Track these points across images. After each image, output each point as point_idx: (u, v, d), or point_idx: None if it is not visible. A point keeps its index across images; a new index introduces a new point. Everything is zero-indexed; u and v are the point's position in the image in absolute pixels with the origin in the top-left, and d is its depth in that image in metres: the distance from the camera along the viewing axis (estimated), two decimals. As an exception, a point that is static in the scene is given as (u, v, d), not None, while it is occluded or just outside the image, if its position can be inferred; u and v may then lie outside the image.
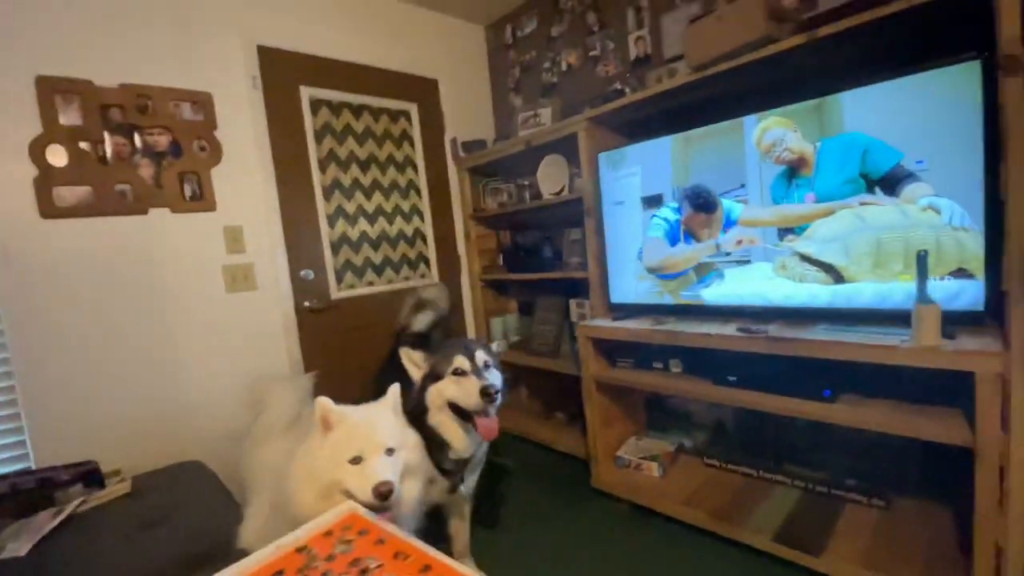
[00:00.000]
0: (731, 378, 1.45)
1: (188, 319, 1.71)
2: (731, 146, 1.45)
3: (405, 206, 2.35)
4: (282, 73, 1.95)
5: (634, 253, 1.74)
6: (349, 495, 0.87)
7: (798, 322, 1.36)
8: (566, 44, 2.33)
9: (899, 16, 1.10)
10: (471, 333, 2.59)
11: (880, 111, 1.19)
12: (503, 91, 2.68)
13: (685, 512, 1.53)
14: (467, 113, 2.58)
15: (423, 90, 2.41)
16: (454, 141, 2.48)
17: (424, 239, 2.43)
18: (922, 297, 1.08)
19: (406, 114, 2.35)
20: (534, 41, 2.47)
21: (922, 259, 1.09)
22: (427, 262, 2.44)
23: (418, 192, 2.40)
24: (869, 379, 1.23)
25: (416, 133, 2.38)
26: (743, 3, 1.33)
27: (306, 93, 2.03)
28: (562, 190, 2.12)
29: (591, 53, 2.23)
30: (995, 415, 0.95)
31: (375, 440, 0.92)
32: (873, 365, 1.12)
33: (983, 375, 0.96)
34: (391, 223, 2.30)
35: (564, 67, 2.36)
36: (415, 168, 2.38)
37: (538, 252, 2.36)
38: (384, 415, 1.00)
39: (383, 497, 0.85)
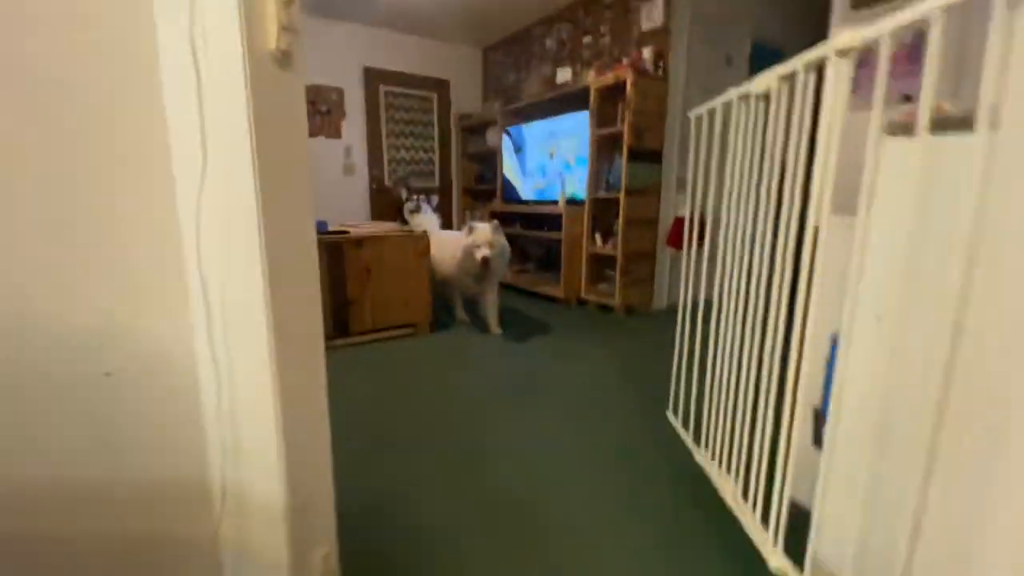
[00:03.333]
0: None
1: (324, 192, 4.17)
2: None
3: (425, 147, 4.67)
4: (372, 77, 4.28)
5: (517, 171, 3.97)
6: (474, 259, 2.39)
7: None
8: (525, 68, 4.47)
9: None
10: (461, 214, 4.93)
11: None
12: (488, 89, 4.86)
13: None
14: (465, 99, 4.81)
15: (441, 86, 4.65)
16: (455, 113, 4.73)
17: (434, 165, 4.75)
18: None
19: (430, 98, 4.62)
20: (507, 63, 4.61)
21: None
22: (433, 175, 4.78)
23: (433, 140, 4.71)
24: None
25: (435, 108, 4.66)
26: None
27: (381, 88, 4.35)
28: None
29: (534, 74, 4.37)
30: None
31: (484, 239, 2.36)
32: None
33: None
34: (417, 157, 4.64)
35: (518, 77, 4.50)
36: (433, 127, 4.68)
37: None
38: (488, 232, 2.38)
39: (484, 264, 2.34)
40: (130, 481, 0.74)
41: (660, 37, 2.98)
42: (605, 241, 3.17)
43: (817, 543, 0.78)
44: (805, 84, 0.85)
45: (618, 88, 2.93)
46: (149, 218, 0.70)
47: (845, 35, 0.69)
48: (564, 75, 3.56)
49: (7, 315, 0.63)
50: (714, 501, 1.15)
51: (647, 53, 3.00)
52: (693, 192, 1.44)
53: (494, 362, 2.25)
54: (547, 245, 3.81)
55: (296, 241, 0.71)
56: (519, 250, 4.06)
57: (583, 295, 3.33)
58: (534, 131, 3.65)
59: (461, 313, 2.93)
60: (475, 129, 4.66)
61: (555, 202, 3.43)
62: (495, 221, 2.53)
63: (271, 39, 0.63)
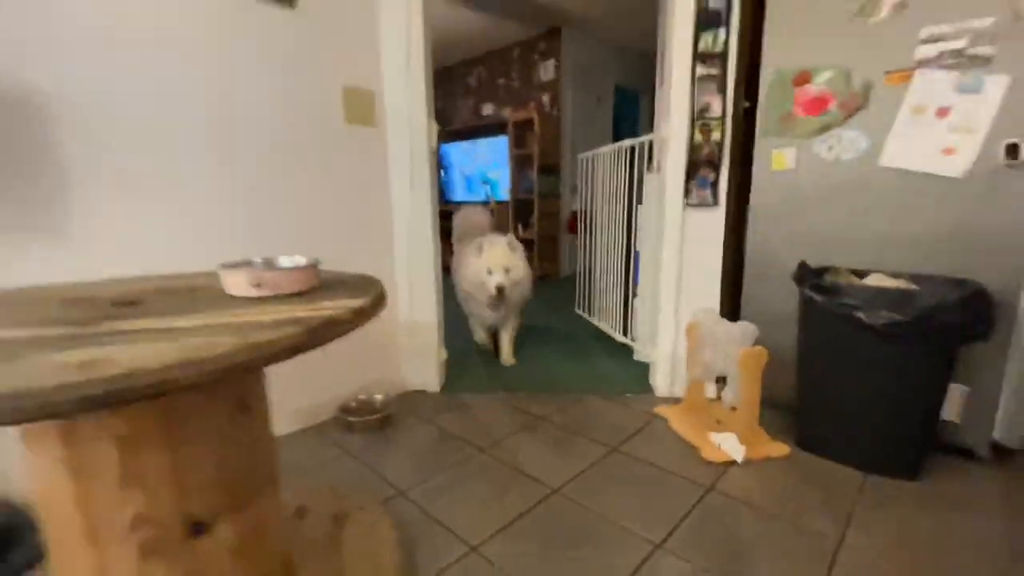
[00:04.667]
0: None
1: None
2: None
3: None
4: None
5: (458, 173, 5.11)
6: (485, 288, 1.97)
7: (483, 201, 4.79)
8: (451, 97, 5.55)
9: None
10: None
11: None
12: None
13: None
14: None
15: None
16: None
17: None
18: (496, 191, 4.52)
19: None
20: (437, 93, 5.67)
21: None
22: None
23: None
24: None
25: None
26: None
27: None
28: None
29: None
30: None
31: (498, 263, 1.96)
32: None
33: (498, 207, 4.43)
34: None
35: (445, 105, 5.58)
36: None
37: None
38: (505, 251, 1.99)
39: (499, 291, 1.92)
40: (378, 324, 1.85)
41: (553, 85, 4.32)
42: (525, 229, 4.46)
43: (639, 337, 2.13)
44: (639, 150, 2.19)
45: (528, 122, 4.21)
46: (381, 227, 1.81)
47: (660, 132, 2.03)
48: (488, 109, 4.77)
49: (341, 265, 1.72)
50: (606, 338, 2.49)
51: (545, 98, 4.33)
52: (581, 199, 2.77)
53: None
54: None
55: (427, 229, 1.88)
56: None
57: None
58: (459, 148, 4.81)
59: (481, 335, 2.50)
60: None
61: (486, 202, 4.65)
62: (510, 236, 2.09)
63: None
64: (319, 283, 0.84)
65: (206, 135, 1.35)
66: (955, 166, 1.32)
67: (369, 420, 1.61)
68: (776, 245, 1.64)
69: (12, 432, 0.59)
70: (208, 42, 1.33)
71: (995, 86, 1.26)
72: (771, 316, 1.63)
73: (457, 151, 4.83)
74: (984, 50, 1.27)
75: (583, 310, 2.97)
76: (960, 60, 1.30)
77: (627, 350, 2.31)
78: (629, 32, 4.15)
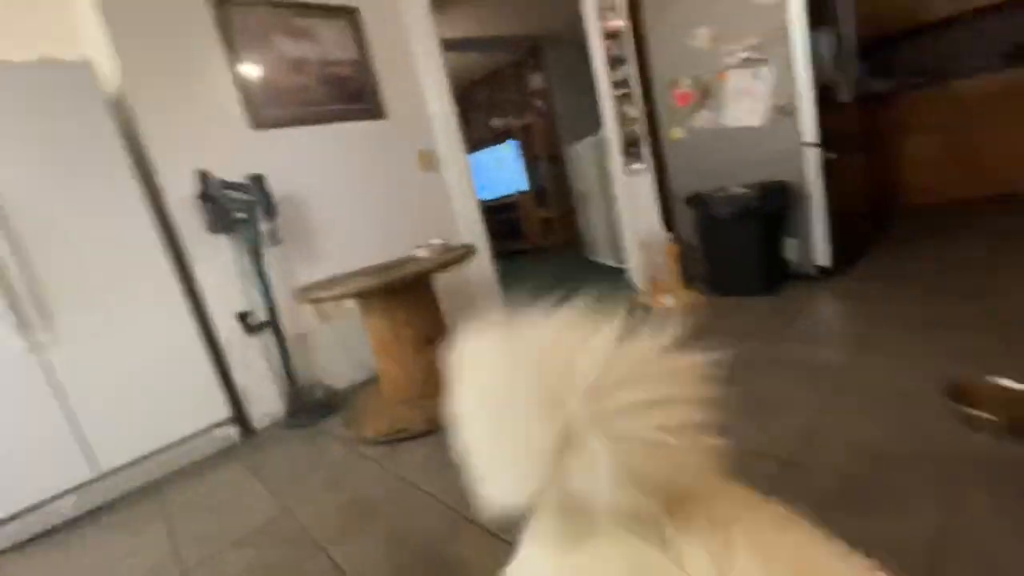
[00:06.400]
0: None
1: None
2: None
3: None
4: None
5: (478, 184, 6.34)
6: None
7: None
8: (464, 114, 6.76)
9: (505, 129, 5.63)
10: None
11: (510, 147, 5.74)
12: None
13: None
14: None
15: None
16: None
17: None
18: (517, 184, 5.70)
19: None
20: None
21: (517, 177, 5.69)
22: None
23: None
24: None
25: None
26: (483, 123, 5.86)
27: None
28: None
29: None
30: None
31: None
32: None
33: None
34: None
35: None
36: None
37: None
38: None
39: None
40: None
41: (544, 93, 5.41)
42: (547, 210, 5.61)
43: (626, 260, 3.27)
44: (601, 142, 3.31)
45: (529, 126, 5.34)
46: (448, 223, 3.04)
47: (605, 131, 3.16)
48: (497, 122, 5.94)
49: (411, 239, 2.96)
50: (610, 268, 3.64)
51: (539, 103, 5.44)
52: (575, 178, 3.91)
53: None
54: (510, 221, 6.21)
55: (477, 223, 3.08)
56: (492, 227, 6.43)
57: (541, 243, 5.77)
58: (480, 157, 6.00)
59: None
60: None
61: (511, 195, 5.85)
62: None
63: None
64: (450, 248, 2.07)
65: (358, 200, 2.62)
66: (756, 119, 2.38)
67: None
68: (683, 182, 2.73)
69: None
70: (341, 151, 2.59)
71: (769, 74, 2.31)
72: (687, 223, 2.72)
73: (479, 159, 6.03)
74: (758, 54, 2.31)
75: (593, 255, 4.12)
76: (748, 61, 2.35)
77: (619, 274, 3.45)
78: (594, 35, 5.19)
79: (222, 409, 2.15)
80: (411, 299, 1.96)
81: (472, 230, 3.04)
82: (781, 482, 1.15)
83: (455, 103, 2.95)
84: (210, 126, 2.17)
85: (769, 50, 2.27)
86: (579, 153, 3.84)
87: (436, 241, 2.10)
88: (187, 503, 1.75)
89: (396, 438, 1.83)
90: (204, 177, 2.07)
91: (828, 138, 2.27)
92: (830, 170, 2.29)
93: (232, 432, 2.18)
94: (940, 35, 3.44)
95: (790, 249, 2.45)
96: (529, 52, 5.36)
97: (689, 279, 2.70)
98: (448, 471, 1.55)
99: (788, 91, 2.26)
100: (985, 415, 1.18)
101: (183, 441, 2.04)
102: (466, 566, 1.14)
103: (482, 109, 6.26)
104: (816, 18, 2.18)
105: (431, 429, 1.82)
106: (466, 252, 1.99)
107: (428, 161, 2.90)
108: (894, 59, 3.63)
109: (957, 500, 0.99)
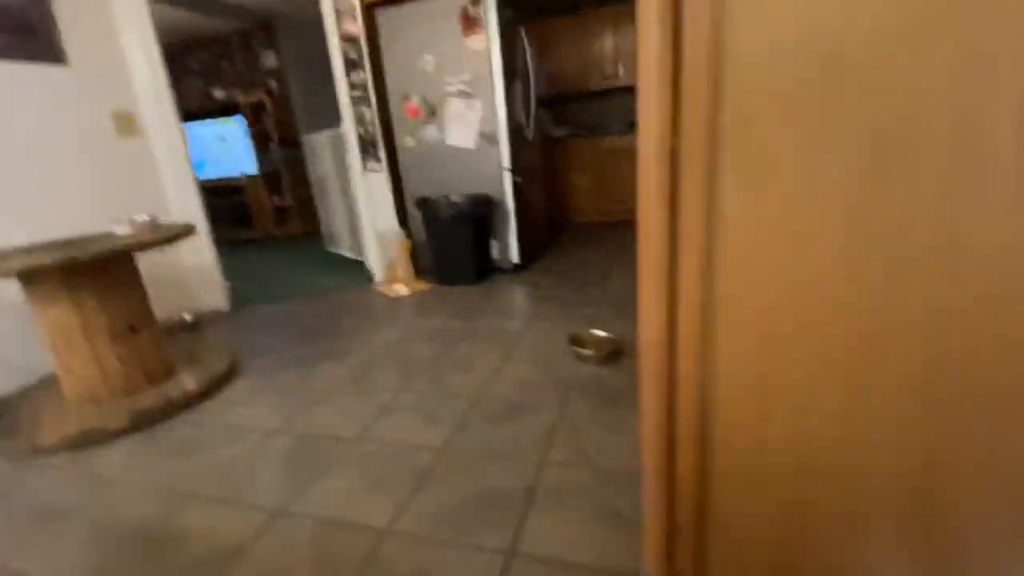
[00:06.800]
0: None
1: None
2: (210, 129, 5.27)
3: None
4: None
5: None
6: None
7: (234, 177, 5.37)
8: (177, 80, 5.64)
9: (230, 104, 5.05)
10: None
11: (236, 124, 5.17)
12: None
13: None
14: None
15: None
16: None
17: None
18: (245, 167, 5.19)
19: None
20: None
21: (244, 159, 5.17)
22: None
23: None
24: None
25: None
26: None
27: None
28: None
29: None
30: (253, 188, 5.14)
31: None
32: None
33: (249, 181, 5.12)
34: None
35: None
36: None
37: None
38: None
39: None
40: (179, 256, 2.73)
41: (278, 72, 5.10)
42: (281, 198, 5.28)
43: (365, 254, 3.45)
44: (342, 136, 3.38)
45: (259, 104, 4.95)
46: (144, 180, 2.67)
47: (343, 127, 3.24)
48: (219, 93, 5.25)
49: (103, 214, 2.56)
50: (351, 260, 3.76)
51: (273, 83, 5.10)
52: (313, 169, 3.88)
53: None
54: (235, 206, 5.59)
55: (193, 197, 2.83)
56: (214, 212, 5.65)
57: (273, 233, 5.40)
58: (196, 129, 5.23)
59: None
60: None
61: (237, 178, 5.26)
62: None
63: (194, 155, 2.72)
64: (159, 225, 1.89)
65: (20, 161, 2.07)
66: (469, 143, 2.93)
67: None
68: (414, 186, 3.12)
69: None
70: (3, 99, 2.03)
71: (478, 105, 2.88)
72: (417, 222, 3.12)
73: (196, 130, 5.22)
74: (470, 89, 2.86)
75: (333, 247, 4.17)
76: (463, 93, 2.87)
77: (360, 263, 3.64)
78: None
79: None
80: (107, 281, 1.72)
81: (187, 209, 2.73)
82: (465, 414, 1.57)
83: (166, 63, 2.60)
84: None
85: (478, 87, 2.84)
86: (317, 143, 3.84)
87: (142, 217, 1.88)
88: None
89: (88, 441, 1.60)
90: None
91: (517, 165, 2.99)
92: (518, 190, 3.02)
93: None
94: (595, 102, 4.82)
95: (494, 248, 3.10)
96: (260, 25, 4.98)
97: (419, 271, 3.10)
98: (163, 460, 1.48)
99: (492, 123, 2.87)
100: (588, 352, 1.87)
101: None
102: (192, 537, 1.17)
103: (199, 75, 5.44)
104: (510, 72, 2.85)
105: (136, 425, 1.66)
106: (181, 231, 1.86)
107: (127, 125, 2.48)
108: (567, 113, 4.88)
109: (566, 406, 1.58)
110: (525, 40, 3.03)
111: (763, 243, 0.55)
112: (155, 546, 1.14)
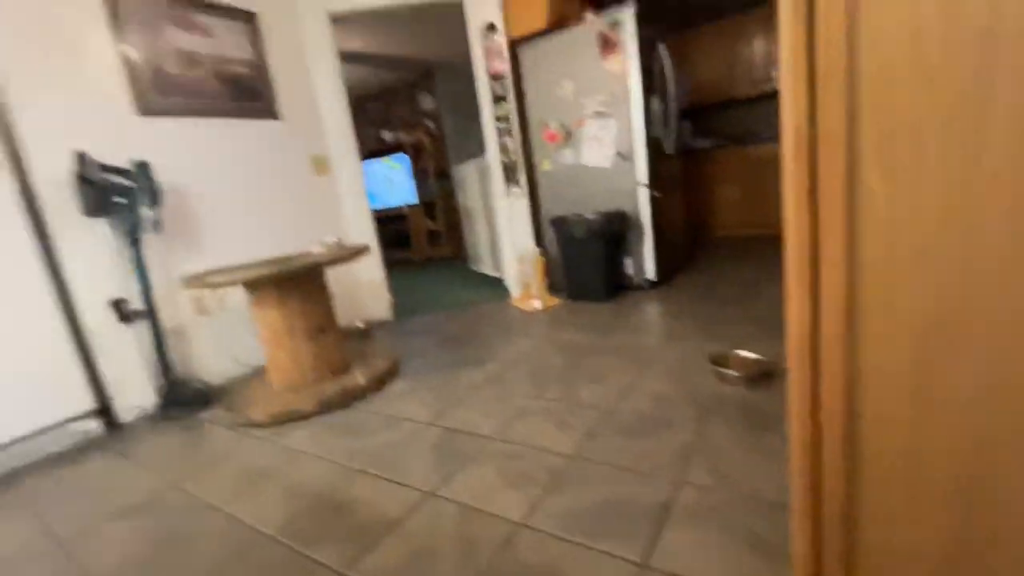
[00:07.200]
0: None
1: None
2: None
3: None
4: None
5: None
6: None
7: (396, 206, 6.15)
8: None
9: (396, 143, 5.84)
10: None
11: (399, 160, 5.95)
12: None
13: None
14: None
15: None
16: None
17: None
18: (405, 197, 5.92)
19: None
20: (334, 120, 6.88)
21: (405, 190, 5.91)
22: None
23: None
24: (406, 215, 6.05)
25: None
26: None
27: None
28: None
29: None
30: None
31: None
32: (400, 211, 5.95)
33: (408, 208, 5.83)
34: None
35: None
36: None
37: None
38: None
39: None
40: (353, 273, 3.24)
41: (434, 113, 5.76)
42: (434, 222, 5.90)
43: (503, 271, 3.69)
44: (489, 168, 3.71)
45: (419, 143, 5.63)
46: (331, 210, 3.20)
47: (487, 158, 3.56)
48: (387, 136, 6.12)
49: (300, 239, 3.09)
50: (491, 278, 4.04)
51: (430, 122, 5.77)
52: (461, 196, 4.28)
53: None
54: (399, 232, 6.38)
55: (367, 223, 3.30)
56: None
57: (428, 254, 6.03)
58: (368, 167, 6.12)
59: None
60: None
61: (401, 207, 6.04)
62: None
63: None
64: (344, 246, 2.28)
65: (247, 196, 2.68)
66: (605, 162, 2.98)
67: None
68: (550, 206, 3.26)
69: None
70: (233, 147, 2.65)
71: (613, 125, 2.92)
72: (551, 240, 3.23)
73: (370, 168, 6.14)
74: (606, 109, 2.92)
75: (476, 266, 4.51)
76: (599, 113, 2.94)
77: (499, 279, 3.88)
78: (482, 68, 5.70)
79: (84, 400, 2.07)
80: (305, 290, 2.12)
81: (363, 233, 3.22)
82: (597, 424, 1.58)
83: (349, 111, 3.15)
84: (92, 107, 2.12)
85: (614, 107, 2.88)
86: (465, 173, 4.23)
87: (331, 238, 2.29)
88: (52, 488, 1.69)
89: (287, 419, 1.97)
90: (81, 158, 2.03)
91: (655, 180, 2.94)
92: (656, 206, 2.96)
93: (94, 425, 2.09)
94: (743, 110, 4.52)
95: (628, 265, 3.07)
96: (422, 74, 5.69)
97: (553, 287, 3.20)
98: (341, 439, 1.76)
99: (627, 141, 2.89)
100: (732, 372, 1.75)
101: (37, 434, 1.93)
102: (360, 504, 1.37)
103: (375, 123, 6.40)
104: (648, 88, 2.85)
105: (322, 409, 2.00)
106: (360, 250, 2.22)
107: (320, 165, 3.04)
108: (711, 124, 4.65)
109: (706, 426, 1.50)
110: (664, 55, 3.00)
111: (915, 238, 0.49)
112: (331, 508, 1.37)
